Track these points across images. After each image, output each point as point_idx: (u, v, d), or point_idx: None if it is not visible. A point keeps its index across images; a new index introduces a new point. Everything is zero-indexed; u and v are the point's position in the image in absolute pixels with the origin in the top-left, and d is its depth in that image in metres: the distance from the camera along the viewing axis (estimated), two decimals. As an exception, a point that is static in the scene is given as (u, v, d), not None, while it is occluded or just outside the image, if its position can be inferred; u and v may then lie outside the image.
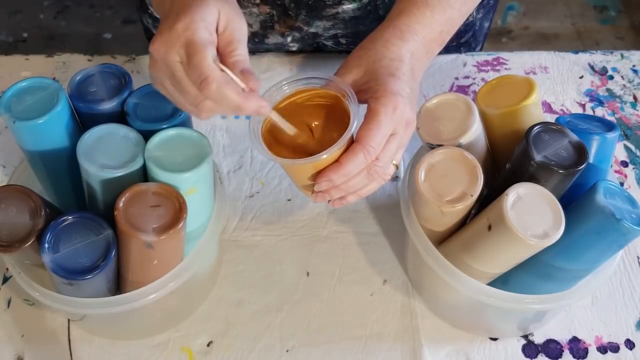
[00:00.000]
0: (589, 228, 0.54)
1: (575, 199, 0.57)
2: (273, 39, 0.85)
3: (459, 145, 0.58)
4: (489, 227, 0.54)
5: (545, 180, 0.55)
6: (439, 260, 0.59)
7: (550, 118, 0.86)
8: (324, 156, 0.52)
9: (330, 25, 0.82)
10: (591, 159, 0.58)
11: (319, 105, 0.57)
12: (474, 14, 0.87)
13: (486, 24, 0.93)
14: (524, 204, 0.53)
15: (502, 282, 0.61)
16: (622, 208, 0.54)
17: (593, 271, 0.59)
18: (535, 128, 0.55)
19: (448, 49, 0.90)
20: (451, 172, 0.56)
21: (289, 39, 0.85)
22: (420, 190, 0.56)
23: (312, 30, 0.83)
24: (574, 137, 0.56)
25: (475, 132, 0.59)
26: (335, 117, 0.56)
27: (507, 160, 0.58)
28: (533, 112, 0.59)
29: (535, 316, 0.65)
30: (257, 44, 0.86)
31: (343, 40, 0.86)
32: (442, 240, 0.62)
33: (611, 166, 0.81)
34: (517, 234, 0.52)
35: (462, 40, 0.90)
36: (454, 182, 0.56)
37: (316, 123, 0.57)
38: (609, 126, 0.61)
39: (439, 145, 0.58)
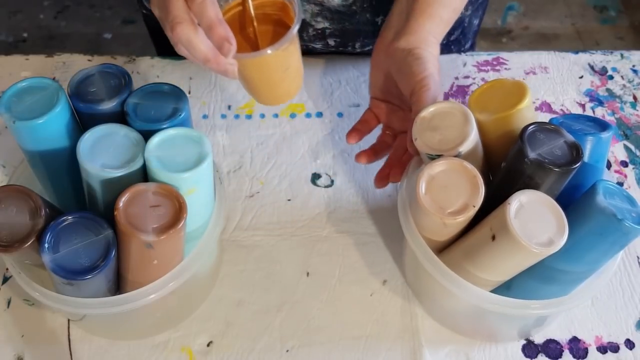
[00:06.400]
0: (591, 229, 0.54)
1: (573, 200, 0.57)
2: None
3: (459, 154, 0.57)
4: (493, 237, 0.54)
5: (540, 179, 0.55)
6: (443, 271, 0.58)
7: (549, 118, 0.86)
8: (269, 51, 0.54)
9: (317, 11, 0.81)
10: (586, 159, 0.58)
11: (265, 13, 0.59)
12: (462, 10, 0.87)
13: (475, 22, 0.93)
14: (526, 212, 0.53)
15: (505, 287, 0.61)
16: (623, 208, 0.54)
17: (595, 272, 0.59)
18: (531, 127, 0.55)
19: (440, 50, 0.90)
20: (452, 183, 0.56)
21: None
22: (422, 203, 0.55)
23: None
24: (569, 137, 0.56)
25: (474, 139, 0.58)
26: (282, 24, 0.58)
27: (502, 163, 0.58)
28: (527, 116, 0.59)
29: (537, 321, 0.65)
30: None
31: (332, 42, 0.86)
32: (442, 248, 0.62)
33: (610, 167, 0.81)
34: (522, 243, 0.51)
35: (452, 38, 0.90)
36: (455, 193, 0.55)
37: (263, 30, 0.59)
38: (602, 126, 0.61)
39: (438, 156, 0.57)
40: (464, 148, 0.57)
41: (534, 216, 0.53)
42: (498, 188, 0.57)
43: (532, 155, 0.53)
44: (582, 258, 0.56)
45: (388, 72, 0.68)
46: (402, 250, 0.72)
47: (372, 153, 0.71)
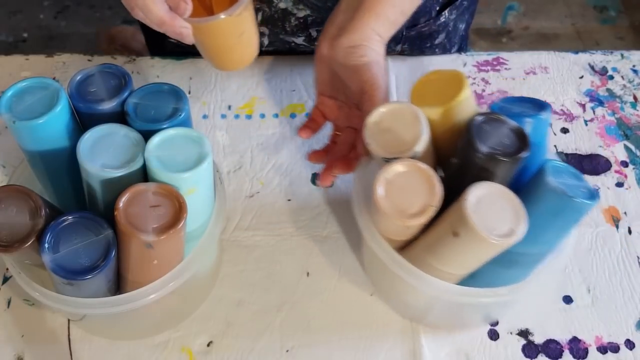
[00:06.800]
0: (544, 210, 0.55)
1: (522, 182, 0.57)
2: None
3: (415, 155, 0.57)
4: (454, 234, 0.54)
5: (493, 169, 0.55)
6: (409, 270, 0.58)
7: (551, 118, 0.86)
8: (222, 16, 0.57)
9: None
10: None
11: None
12: (446, 14, 0.87)
13: (461, 26, 0.92)
14: (484, 205, 0.53)
15: (470, 276, 0.61)
16: (572, 185, 0.55)
17: (554, 250, 0.60)
18: (477, 120, 0.56)
19: (423, 51, 0.91)
20: (408, 185, 0.55)
21: (259, 15, 0.84)
22: (382, 208, 0.55)
23: (281, 5, 0.82)
24: (513, 124, 0.56)
25: (427, 138, 0.57)
26: None
27: (450, 155, 0.59)
28: (469, 104, 0.59)
29: (500, 305, 0.67)
30: None
31: (314, 33, 0.85)
32: (403, 246, 0.62)
33: (611, 167, 0.81)
34: (483, 237, 0.52)
35: (436, 42, 0.90)
36: (414, 195, 0.55)
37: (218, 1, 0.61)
38: (540, 106, 0.61)
39: (395, 159, 0.57)
40: (420, 147, 0.56)
41: (492, 208, 0.53)
42: (451, 182, 0.58)
43: (483, 149, 0.54)
44: (538, 239, 0.57)
45: (332, 68, 0.68)
46: (360, 248, 0.73)
47: (324, 153, 0.70)
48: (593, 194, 0.55)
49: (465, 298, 0.58)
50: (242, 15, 0.59)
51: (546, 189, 0.54)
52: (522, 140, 0.55)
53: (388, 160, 0.57)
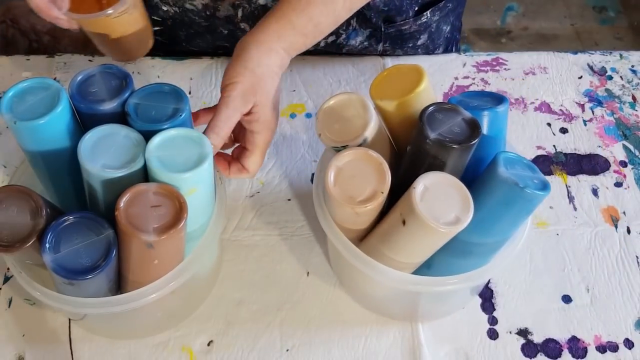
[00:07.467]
0: (497, 200, 0.56)
1: (479, 174, 0.58)
2: (224, 12, 0.84)
3: (364, 141, 0.58)
4: (404, 222, 0.55)
5: (444, 157, 0.56)
6: (362, 259, 0.59)
7: (550, 118, 0.87)
8: (109, 11, 0.61)
9: None
10: (487, 133, 0.60)
11: None
12: (428, 15, 0.87)
13: (445, 28, 0.92)
14: (431, 194, 0.54)
15: (426, 266, 0.62)
16: (524, 175, 0.55)
17: (509, 240, 0.61)
18: (429, 109, 0.57)
19: (406, 52, 0.91)
20: (359, 172, 0.57)
21: (240, 12, 0.83)
22: (332, 195, 0.56)
23: (261, 1, 0.81)
24: (467, 114, 0.57)
25: (375, 126, 0.59)
26: None
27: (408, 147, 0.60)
28: (426, 98, 0.59)
29: (473, 290, 0.68)
30: (210, 18, 0.85)
31: None
32: (362, 237, 0.63)
33: (610, 167, 0.81)
34: (430, 225, 0.53)
35: (419, 43, 0.91)
36: (363, 181, 0.57)
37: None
38: (498, 100, 0.62)
39: (344, 147, 0.58)
40: (368, 134, 0.58)
41: (439, 197, 0.54)
42: (406, 171, 0.59)
43: (432, 135, 0.55)
44: (492, 229, 0.58)
45: None
46: (325, 242, 0.73)
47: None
48: (545, 185, 0.56)
49: (417, 287, 0.59)
50: (123, 17, 0.63)
51: (498, 180, 0.55)
52: (472, 129, 0.56)
53: (338, 149, 0.59)
